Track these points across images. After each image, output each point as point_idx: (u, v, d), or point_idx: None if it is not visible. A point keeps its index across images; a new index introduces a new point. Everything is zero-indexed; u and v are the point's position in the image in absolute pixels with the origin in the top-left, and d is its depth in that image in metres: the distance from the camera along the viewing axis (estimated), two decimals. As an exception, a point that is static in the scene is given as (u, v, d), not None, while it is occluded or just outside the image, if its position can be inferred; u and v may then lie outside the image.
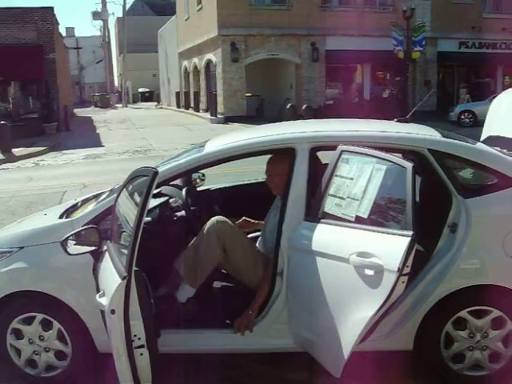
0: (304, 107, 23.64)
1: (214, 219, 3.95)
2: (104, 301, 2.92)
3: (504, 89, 25.55)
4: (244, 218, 4.58)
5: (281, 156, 3.95)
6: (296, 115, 22.20)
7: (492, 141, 4.67)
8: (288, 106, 24.41)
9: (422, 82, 30.01)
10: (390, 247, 2.88)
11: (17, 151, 18.65)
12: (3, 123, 18.75)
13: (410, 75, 27.59)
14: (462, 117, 24.18)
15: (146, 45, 59.11)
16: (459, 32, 29.87)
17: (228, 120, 27.33)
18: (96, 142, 21.96)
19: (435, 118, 20.88)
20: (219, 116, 28.34)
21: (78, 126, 29.68)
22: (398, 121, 4.33)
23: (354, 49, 27.07)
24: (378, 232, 3.02)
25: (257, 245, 4.25)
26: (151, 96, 59.82)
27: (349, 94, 30.84)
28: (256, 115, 28.02)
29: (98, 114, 41.32)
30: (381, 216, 3.09)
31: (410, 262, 2.78)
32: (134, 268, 2.80)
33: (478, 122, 22.43)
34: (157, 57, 52.23)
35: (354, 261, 3.02)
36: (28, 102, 25.96)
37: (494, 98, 19.58)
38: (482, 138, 4.95)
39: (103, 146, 20.49)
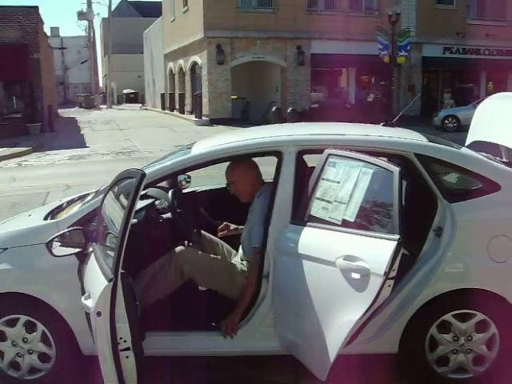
0: (289, 110, 23.71)
1: (176, 250, 3.97)
2: (90, 303, 2.90)
3: (488, 94, 25.88)
4: (225, 222, 4.57)
5: (237, 163, 4.02)
6: (281, 118, 22.26)
7: (477, 146, 4.70)
8: (273, 109, 24.47)
9: (407, 86, 30.25)
10: (377, 251, 2.89)
11: (0, 151, 18.48)
12: (-14, 123, 18.58)
13: (394, 80, 27.74)
14: (446, 121, 24.38)
15: (132, 46, 58.89)
16: (444, 37, 30.16)
17: (213, 122, 27.30)
18: (80, 142, 21.80)
19: (419, 123, 20.96)
20: (204, 118, 28.31)
21: (62, 126, 29.44)
22: (385, 125, 4.35)
23: (339, 52, 27.27)
24: (365, 236, 3.03)
25: (239, 252, 4.24)
26: (136, 97, 59.58)
27: (334, 97, 30.94)
28: (241, 118, 28.06)
29: (82, 115, 41.07)
30: (367, 220, 3.10)
31: (396, 266, 2.79)
32: (121, 270, 2.78)
33: (461, 127, 22.60)
34: (142, 58, 52.07)
35: (341, 264, 3.03)
36: (12, 102, 25.69)
37: (477, 103, 19.85)
38: (466, 143, 4.99)
39: (87, 146, 20.35)
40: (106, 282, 2.77)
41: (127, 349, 2.86)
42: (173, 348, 3.79)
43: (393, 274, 2.79)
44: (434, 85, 33.13)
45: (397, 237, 2.83)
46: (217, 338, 3.78)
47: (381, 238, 2.93)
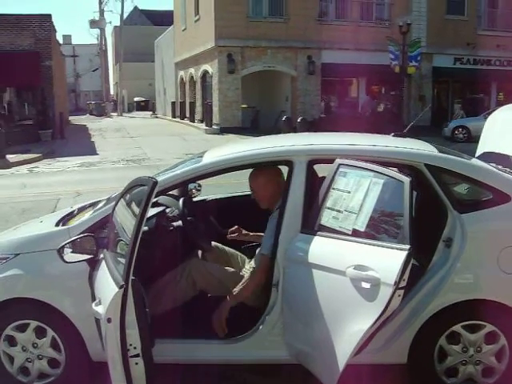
0: (299, 120, 23.70)
1: (188, 261, 4.03)
2: (100, 309, 2.92)
3: (498, 105, 25.74)
4: (237, 226, 4.58)
5: (261, 169, 4.03)
6: (291, 127, 22.28)
7: (487, 157, 4.71)
8: (283, 119, 24.50)
9: (417, 96, 30.19)
10: (387, 261, 2.89)
11: (11, 157, 18.61)
12: (-2, 129, 18.73)
13: (405, 90, 27.73)
14: (456, 132, 24.29)
15: (143, 54, 59.22)
16: (454, 48, 30.12)
17: (223, 131, 27.34)
18: (91, 150, 21.92)
19: (429, 133, 20.92)
20: (214, 127, 28.36)
21: (73, 133, 29.62)
22: (396, 135, 4.36)
23: (349, 62, 27.20)
24: (375, 245, 3.04)
25: (252, 261, 4.26)
26: (147, 105, 59.81)
27: (344, 107, 30.93)
28: (251, 127, 28.05)
29: (93, 122, 41.28)
30: (378, 229, 3.11)
31: (406, 276, 2.79)
32: (131, 277, 2.80)
33: (471, 138, 22.49)
34: (153, 66, 52.31)
35: (351, 274, 3.04)
36: (23, 109, 25.95)
37: (488, 114, 19.73)
38: (477, 154, 5.00)
39: (98, 154, 20.46)
40: (116, 289, 2.79)
41: (137, 355, 2.87)
42: (182, 356, 3.81)
43: (403, 283, 2.79)
44: (445, 95, 33.06)
45: (407, 247, 2.83)
46: (226, 347, 3.79)
47: (391, 247, 2.93)
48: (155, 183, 2.86)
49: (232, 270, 4.16)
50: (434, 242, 3.69)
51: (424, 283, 3.64)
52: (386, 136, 4.44)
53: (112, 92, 71.22)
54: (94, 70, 68.55)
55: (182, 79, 38.67)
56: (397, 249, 2.89)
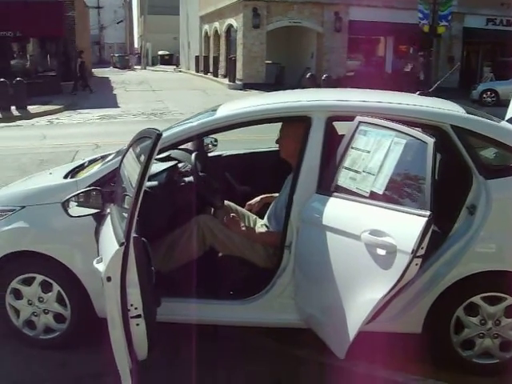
0: (324, 77, 23.24)
1: (198, 217, 3.87)
2: (101, 267, 2.79)
3: (531, 69, 24.93)
4: (252, 201, 4.41)
5: (296, 122, 3.79)
6: (315, 85, 21.88)
7: (517, 121, 4.45)
8: (307, 76, 24.06)
9: (446, 57, 29.41)
10: (405, 227, 2.70)
11: (32, 108, 18.56)
12: (19, 80, 18.64)
13: (434, 50, 27.01)
14: (484, 96, 23.62)
15: (168, 7, 58.44)
16: (487, 8, 29.14)
17: (246, 86, 27.03)
18: (112, 102, 21.82)
19: (456, 96, 20.28)
20: (238, 82, 28.07)
21: (95, 86, 29.46)
22: (421, 94, 4.13)
23: (377, 20, 26.53)
24: (393, 210, 2.83)
25: (264, 220, 4.12)
26: (171, 59, 59.37)
27: (370, 66, 30.32)
28: (275, 83, 27.68)
29: (116, 75, 41.11)
30: (397, 193, 2.89)
31: (425, 244, 2.61)
32: (133, 234, 2.65)
33: (500, 102, 21.94)
34: (178, 20, 51.67)
35: (366, 239, 2.85)
36: (46, 60, 25.78)
37: (519, 77, 18.89)
38: (506, 117, 4.74)
39: (119, 107, 20.35)
40: (117, 246, 2.66)
41: (138, 316, 2.73)
42: (188, 315, 3.69)
43: (421, 252, 2.61)
44: (474, 57, 32.19)
45: (427, 213, 2.63)
46: (236, 308, 3.68)
47: (410, 213, 2.72)
48: (159, 135, 2.68)
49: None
50: (457, 209, 3.49)
51: (444, 251, 3.46)
52: (411, 94, 4.20)
53: (136, 45, 70.78)
54: (118, 22, 67.97)
55: (206, 33, 38.18)
56: (416, 214, 2.68)
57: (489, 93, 23.63)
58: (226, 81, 29.62)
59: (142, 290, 2.72)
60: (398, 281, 2.63)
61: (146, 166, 2.63)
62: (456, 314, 3.52)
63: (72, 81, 25.30)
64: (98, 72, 43.90)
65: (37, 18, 22.61)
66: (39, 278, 3.78)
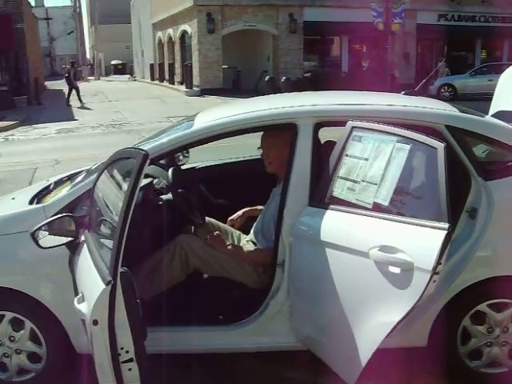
0: (283, 79, 23.11)
1: (179, 238, 3.60)
2: (84, 308, 2.47)
3: (482, 62, 25.38)
4: (233, 217, 4.15)
5: (281, 130, 3.54)
6: (275, 88, 21.70)
7: (501, 115, 4.31)
8: (266, 79, 23.82)
9: (402, 54, 29.62)
10: (421, 242, 2.46)
11: (-15, 125, 17.90)
12: (-30, 96, 17.95)
13: (389, 47, 27.13)
14: (442, 90, 23.89)
15: (119, 16, 57.57)
16: (438, 4, 29.50)
17: (204, 92, 26.71)
18: (69, 115, 21.20)
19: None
20: (195, 88, 27.73)
21: (49, 99, 28.76)
22: (406, 93, 3.92)
23: (332, 20, 26.53)
24: (404, 223, 2.59)
25: (250, 235, 3.86)
26: (124, 68, 58.60)
27: (327, 66, 30.34)
28: (232, 87, 27.48)
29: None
30: (406, 204, 2.65)
31: (443, 260, 2.38)
32: (120, 269, 2.34)
33: (458, 96, 22.19)
34: (130, 28, 50.93)
35: (376, 256, 2.60)
36: (-4, 74, 25.02)
37: (474, 71, 19.42)
38: (490, 113, 4.61)
39: (76, 119, 19.78)
40: (102, 285, 2.33)
41: (130, 360, 2.42)
42: (176, 345, 3.40)
43: (439, 268, 2.38)
44: (429, 53, 32.53)
45: (446, 225, 2.40)
46: (225, 334, 3.41)
47: (426, 226, 2.49)
48: (146, 156, 2.36)
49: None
50: (456, 213, 3.28)
51: (446, 259, 3.24)
52: (397, 95, 4.00)
53: (88, 55, 69.66)
54: (68, 33, 66.71)
55: (160, 40, 37.69)
56: (433, 227, 2.44)
57: (446, 87, 23.90)
58: (183, 88, 29.23)
59: (132, 330, 2.41)
60: (417, 301, 2.39)
61: (131, 192, 2.31)
62: (462, 323, 3.33)
63: (25, 95, 24.58)
64: (52, 84, 42.88)
65: (-16, 32, 21.94)
66: (9, 315, 3.42)
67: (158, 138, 3.65)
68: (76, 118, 20.37)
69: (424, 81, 5.23)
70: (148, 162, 2.38)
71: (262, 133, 3.70)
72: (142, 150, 2.48)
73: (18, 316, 3.42)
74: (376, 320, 2.59)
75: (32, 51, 29.52)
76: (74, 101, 26.64)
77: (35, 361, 3.51)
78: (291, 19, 27.81)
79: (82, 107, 24.23)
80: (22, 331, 3.45)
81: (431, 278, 2.36)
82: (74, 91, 25.46)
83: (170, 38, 34.56)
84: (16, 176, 10.08)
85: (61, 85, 43.44)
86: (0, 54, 24.44)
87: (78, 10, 54.94)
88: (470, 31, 29.70)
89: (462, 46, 31.87)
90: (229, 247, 3.55)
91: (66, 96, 25.59)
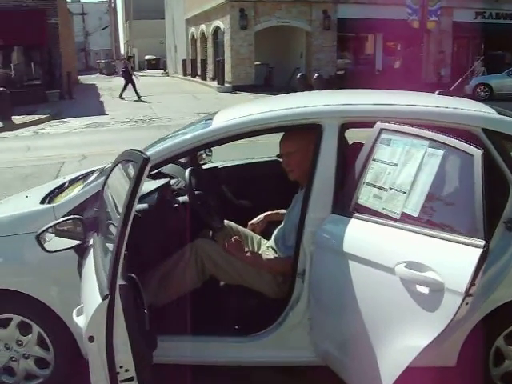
0: (315, 77, 22.79)
1: (195, 243, 3.41)
2: (81, 321, 2.29)
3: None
4: (255, 220, 3.95)
5: (298, 131, 3.32)
6: (307, 85, 21.45)
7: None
8: (298, 76, 23.59)
9: (437, 52, 29.04)
10: (453, 260, 2.22)
11: (17, 119, 17.95)
12: (2, 90, 18.02)
13: (424, 46, 26.61)
14: (478, 90, 23.25)
15: (153, 11, 57.84)
16: (476, 2, 28.78)
17: (236, 89, 26.58)
18: (99, 110, 21.26)
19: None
20: (226, 84, 27.58)
21: (81, 93, 28.91)
22: (440, 93, 3.66)
23: (366, 17, 26.12)
24: (434, 237, 2.35)
25: (271, 241, 3.66)
26: (158, 63, 58.82)
27: (360, 64, 29.93)
28: (264, 84, 27.31)
29: (102, 82, 40.48)
30: (437, 216, 2.40)
31: (477, 280, 2.14)
32: (119, 282, 2.15)
33: (494, 96, 21.61)
34: (164, 24, 51.11)
35: (402, 273, 2.36)
36: (30, 68, 25.21)
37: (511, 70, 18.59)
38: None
39: (107, 114, 19.79)
40: (99, 299, 2.15)
41: (130, 379, 2.23)
42: (189, 356, 3.22)
43: (473, 289, 2.14)
44: (465, 51, 31.84)
45: (482, 243, 2.15)
46: (242, 345, 3.21)
47: (458, 242, 2.25)
48: (146, 160, 2.17)
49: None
50: (492, 225, 3.01)
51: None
52: (431, 94, 3.74)
53: (122, 51, 70.12)
54: (103, 29, 67.35)
55: (193, 36, 37.67)
56: (467, 244, 2.20)
57: (482, 87, 23.27)
58: (215, 84, 29.12)
59: (133, 347, 2.21)
60: (448, 325, 2.15)
61: (130, 199, 2.12)
62: (496, 343, 3.08)
63: (57, 89, 24.77)
64: (85, 79, 43.26)
65: (19, 27, 22.11)
66: (16, 318, 3.29)
67: (176, 135, 3.46)
68: (107, 112, 20.38)
69: (460, 80, 4.95)
70: (149, 166, 2.19)
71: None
72: (143, 153, 2.28)
73: (25, 320, 3.29)
74: (401, 343, 2.35)
75: (65, 46, 29.74)
76: (104, 95, 26.79)
77: (43, 366, 3.38)
78: (325, 16, 27.47)
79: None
80: (29, 335, 3.32)
81: (463, 300, 2.12)
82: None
83: (202, 34, 34.50)
84: (42, 170, 10.04)
85: (94, 79, 43.89)
86: (33, 48, 24.70)
87: (112, 5, 55.51)
88: (508, 29, 28.88)
89: (499, 44, 31.00)
90: (247, 254, 3.36)
91: (121, 90, 25.69)
